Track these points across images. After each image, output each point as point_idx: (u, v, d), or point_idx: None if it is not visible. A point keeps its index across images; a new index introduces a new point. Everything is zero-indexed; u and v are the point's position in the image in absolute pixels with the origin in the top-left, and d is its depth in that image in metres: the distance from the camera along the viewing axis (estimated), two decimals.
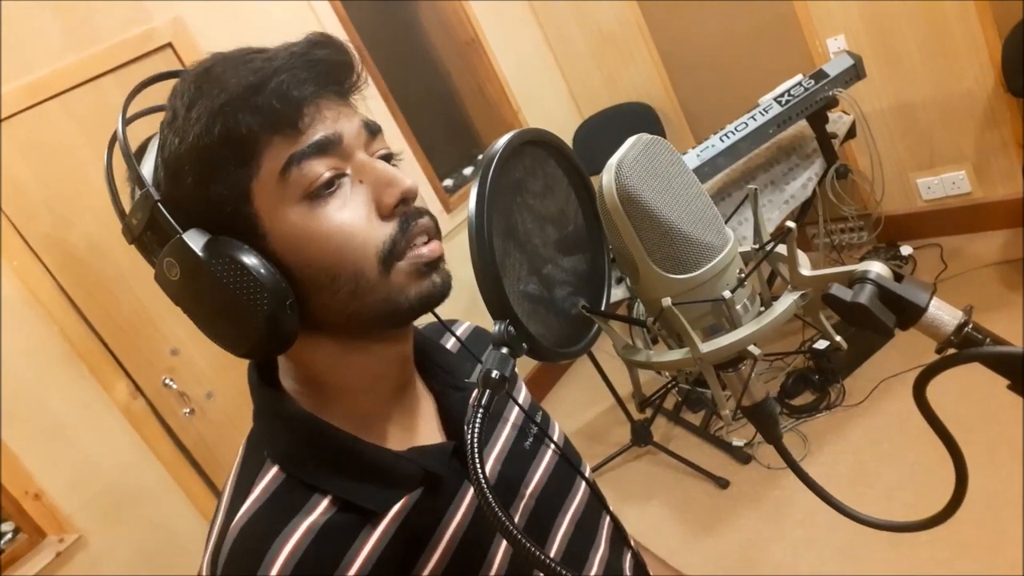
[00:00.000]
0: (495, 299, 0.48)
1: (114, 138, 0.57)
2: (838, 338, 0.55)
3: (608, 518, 0.76)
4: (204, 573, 0.55)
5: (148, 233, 0.54)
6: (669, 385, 2.80)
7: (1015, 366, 0.44)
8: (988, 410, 1.99)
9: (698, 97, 3.48)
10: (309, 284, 0.54)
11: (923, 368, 0.47)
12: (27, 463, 2.04)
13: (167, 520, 2.30)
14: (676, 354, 0.52)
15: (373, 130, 0.58)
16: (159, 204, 0.52)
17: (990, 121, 2.77)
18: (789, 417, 2.55)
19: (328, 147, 0.53)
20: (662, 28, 3.38)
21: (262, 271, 0.51)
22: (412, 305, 0.56)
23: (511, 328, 0.48)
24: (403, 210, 0.56)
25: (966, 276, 2.79)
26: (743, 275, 0.52)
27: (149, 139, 0.57)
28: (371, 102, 2.91)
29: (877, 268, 0.47)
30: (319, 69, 0.54)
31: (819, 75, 2.25)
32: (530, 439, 0.73)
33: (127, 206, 0.56)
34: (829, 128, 2.32)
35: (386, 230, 0.55)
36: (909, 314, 0.46)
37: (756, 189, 0.55)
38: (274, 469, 0.57)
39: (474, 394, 0.45)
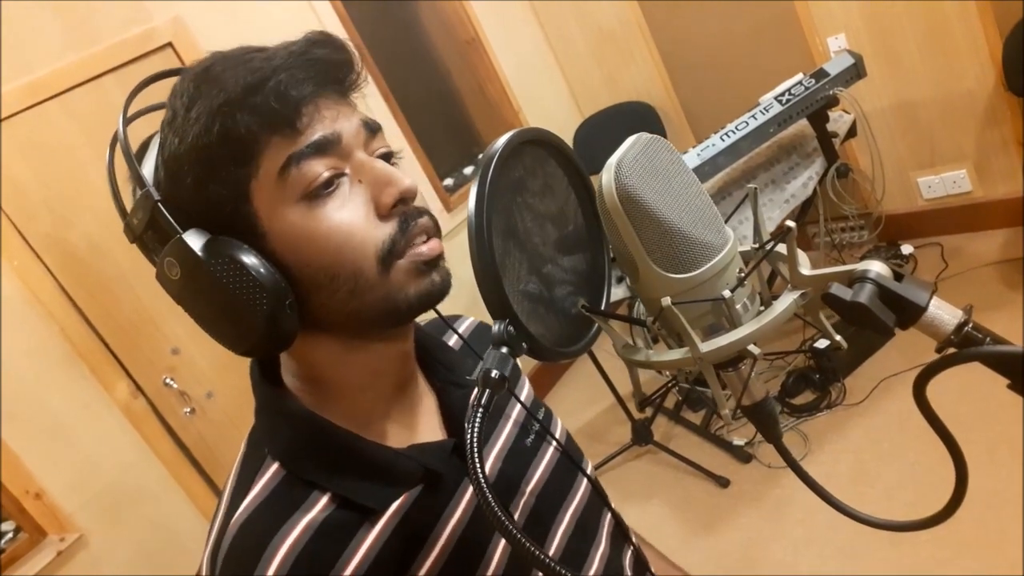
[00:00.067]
0: (495, 298, 0.48)
1: (115, 138, 0.57)
2: (838, 337, 0.55)
3: (609, 515, 0.76)
4: (204, 570, 0.55)
5: (149, 233, 0.55)
6: (669, 384, 2.79)
7: (1015, 365, 0.44)
8: (988, 410, 1.99)
9: (698, 96, 3.47)
10: (308, 283, 0.54)
11: (923, 367, 0.47)
12: (28, 462, 2.04)
13: (168, 520, 2.30)
14: (676, 353, 0.52)
15: (373, 128, 0.58)
16: (159, 204, 0.53)
17: (991, 120, 2.76)
18: (789, 416, 2.55)
19: (327, 147, 0.53)
20: (662, 27, 3.38)
21: (261, 271, 0.51)
22: (411, 304, 0.56)
23: (511, 327, 0.48)
24: (402, 210, 0.56)
25: (966, 275, 2.79)
26: (743, 274, 0.52)
27: (150, 138, 0.57)
28: (371, 101, 2.91)
29: (877, 267, 0.47)
30: (318, 68, 0.54)
31: (820, 74, 2.25)
32: (532, 436, 0.73)
33: (129, 206, 0.56)
34: (830, 127, 2.32)
35: (385, 230, 0.55)
36: (909, 313, 0.46)
37: (756, 188, 0.55)
38: (274, 466, 0.58)
39: (474, 393, 0.45)
